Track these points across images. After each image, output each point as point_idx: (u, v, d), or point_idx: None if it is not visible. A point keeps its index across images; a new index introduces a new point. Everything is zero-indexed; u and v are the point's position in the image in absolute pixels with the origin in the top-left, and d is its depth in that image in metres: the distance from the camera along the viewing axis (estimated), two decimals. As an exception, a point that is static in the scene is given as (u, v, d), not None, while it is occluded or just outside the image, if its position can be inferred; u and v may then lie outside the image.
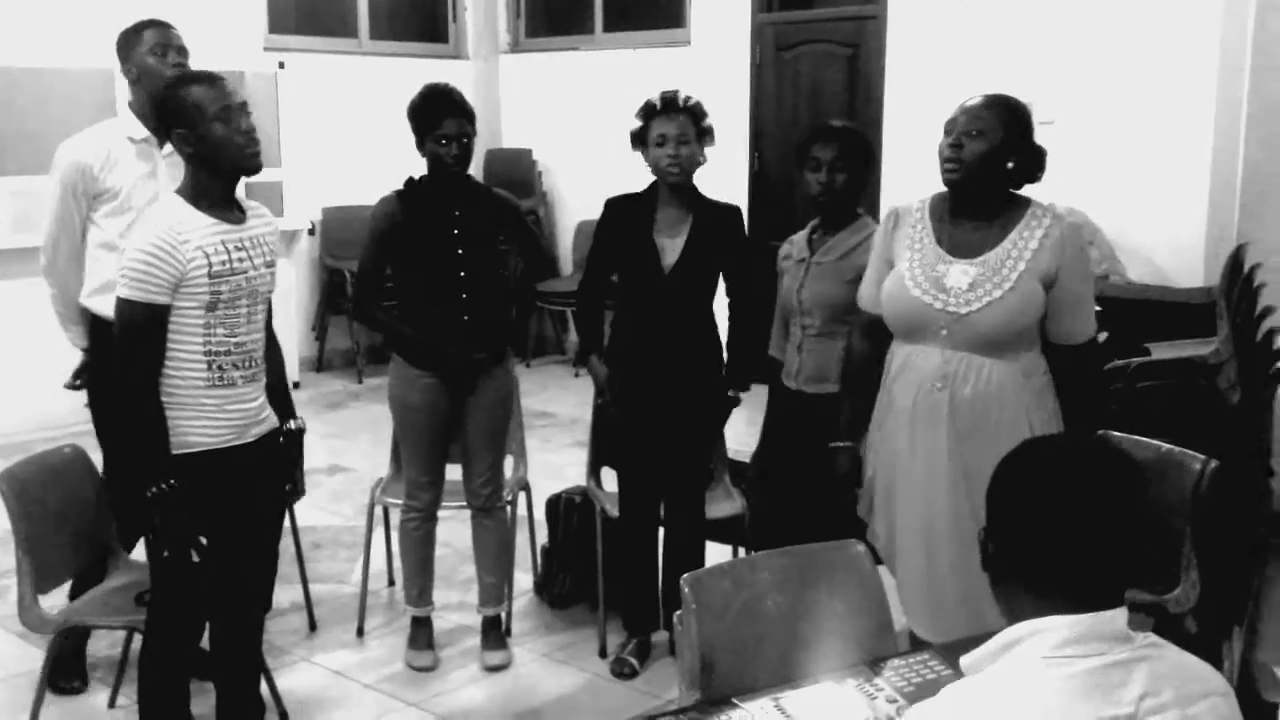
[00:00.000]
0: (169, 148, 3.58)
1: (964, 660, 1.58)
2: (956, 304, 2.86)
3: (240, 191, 3.00)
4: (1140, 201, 5.77)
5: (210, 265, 2.78)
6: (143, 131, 3.58)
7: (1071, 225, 2.91)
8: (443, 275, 3.64)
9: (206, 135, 2.79)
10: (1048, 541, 1.52)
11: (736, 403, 3.80)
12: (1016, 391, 2.86)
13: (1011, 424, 2.85)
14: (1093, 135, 5.81)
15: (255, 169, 2.88)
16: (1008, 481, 1.59)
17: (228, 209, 2.88)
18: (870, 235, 3.41)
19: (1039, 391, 2.90)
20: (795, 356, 3.48)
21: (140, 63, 3.57)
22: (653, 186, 3.70)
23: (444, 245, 3.63)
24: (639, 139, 3.64)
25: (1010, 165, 2.85)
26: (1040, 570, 1.53)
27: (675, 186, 3.64)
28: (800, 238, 3.54)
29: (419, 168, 3.69)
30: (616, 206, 3.77)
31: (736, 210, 3.77)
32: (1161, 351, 4.40)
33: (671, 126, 3.58)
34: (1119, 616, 1.50)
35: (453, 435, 3.81)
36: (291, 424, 3.18)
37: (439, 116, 3.56)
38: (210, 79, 2.86)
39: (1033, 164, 2.90)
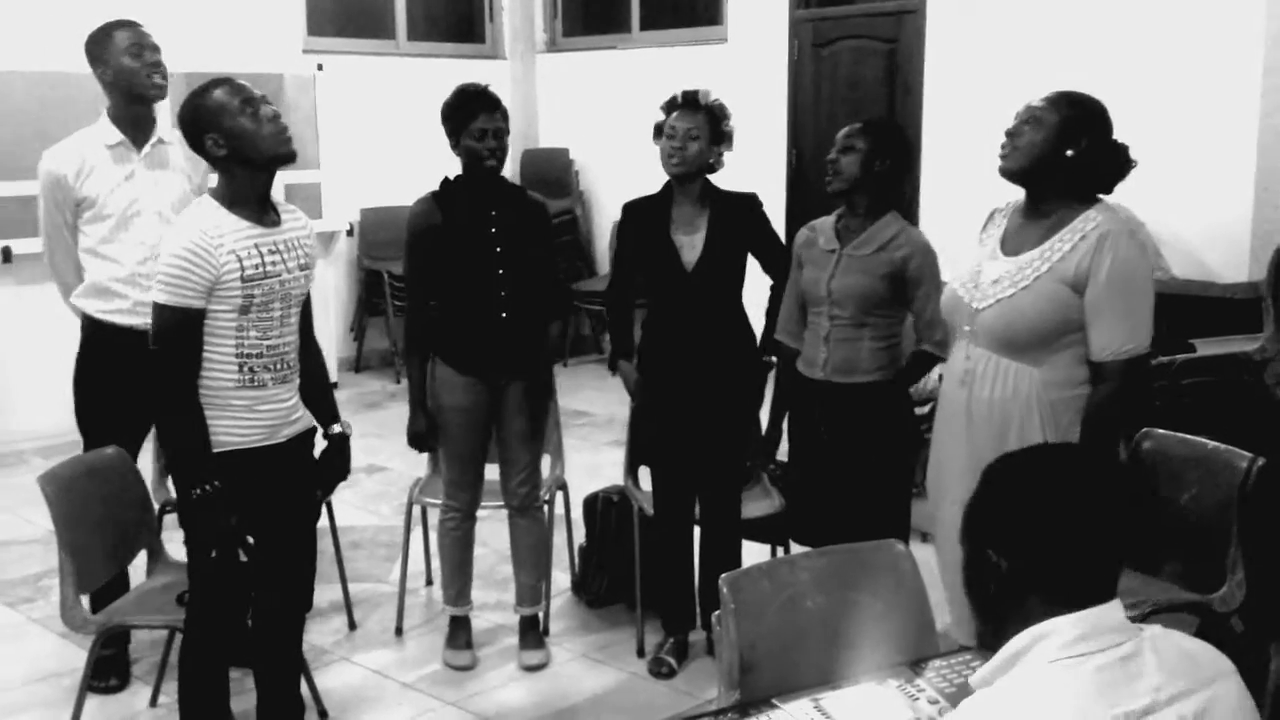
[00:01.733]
0: (147, 149, 3.62)
1: (974, 679, 1.58)
2: (978, 299, 2.83)
3: (279, 195, 3.01)
4: (1185, 196, 5.69)
5: (243, 269, 2.78)
6: (117, 136, 3.60)
7: (1118, 229, 2.75)
8: (480, 275, 3.63)
9: (235, 130, 2.79)
10: (1056, 547, 1.53)
11: (771, 367, 3.77)
12: (1031, 399, 2.79)
13: (1020, 432, 2.79)
14: (1137, 129, 5.71)
15: (290, 155, 2.87)
16: (1004, 498, 1.58)
17: (263, 212, 2.88)
18: (903, 230, 3.38)
19: (1061, 404, 2.78)
20: (821, 347, 3.43)
21: (116, 64, 3.57)
22: (667, 186, 3.69)
23: (482, 245, 3.63)
24: (658, 131, 3.64)
25: (1069, 154, 2.75)
26: (1048, 576, 1.53)
27: (682, 182, 3.62)
28: (826, 226, 3.48)
29: (456, 169, 3.69)
30: (633, 209, 3.77)
31: (753, 197, 3.74)
32: (1206, 348, 4.34)
33: (683, 121, 3.58)
34: (1116, 608, 1.52)
35: (491, 435, 3.81)
36: (336, 428, 3.17)
37: (473, 112, 3.56)
38: (225, 80, 2.87)
39: (1113, 163, 2.80)
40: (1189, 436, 3.26)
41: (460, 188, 3.68)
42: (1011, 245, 2.87)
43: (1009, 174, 2.83)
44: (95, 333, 3.66)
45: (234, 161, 2.82)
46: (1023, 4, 6.22)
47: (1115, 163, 2.82)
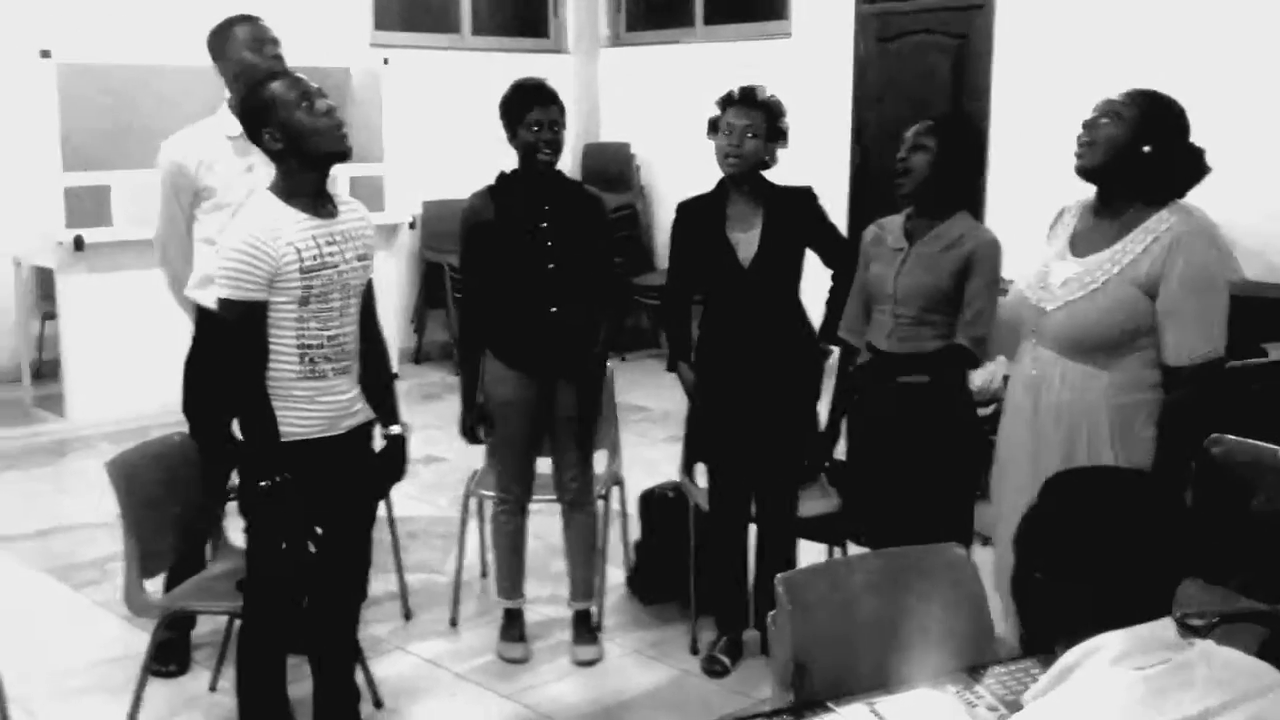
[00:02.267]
0: None
1: (1026, 695, 1.59)
2: (1046, 300, 2.79)
3: (344, 187, 3.03)
4: (1256, 196, 5.57)
5: (302, 260, 2.81)
6: (239, 128, 3.63)
7: (1193, 230, 2.71)
8: (531, 269, 3.63)
9: (291, 125, 2.81)
10: (1105, 574, 1.52)
11: (828, 354, 3.75)
12: (1100, 402, 2.75)
13: (1089, 436, 2.75)
14: (1210, 128, 5.61)
15: (345, 152, 2.89)
16: (1055, 521, 1.58)
17: (319, 203, 2.90)
18: (972, 229, 3.34)
19: (1129, 408, 2.74)
20: (883, 344, 3.41)
21: (237, 59, 3.62)
22: (721, 184, 3.67)
23: (533, 240, 3.62)
24: (714, 126, 3.62)
25: (1147, 150, 2.70)
26: (1097, 599, 1.53)
27: (740, 179, 3.60)
28: (894, 224, 3.44)
29: (515, 162, 3.69)
30: (688, 208, 3.75)
31: (808, 190, 3.70)
32: (1278, 352, 4.25)
33: (741, 118, 3.55)
34: (1169, 624, 1.52)
35: (543, 430, 3.80)
36: (394, 429, 3.17)
37: (529, 104, 3.56)
38: (283, 73, 2.91)
39: (1188, 167, 2.75)
40: (1259, 443, 3.19)
41: (516, 182, 3.68)
42: (1081, 246, 2.82)
43: (1086, 172, 2.79)
44: (211, 324, 3.68)
45: (290, 155, 2.85)
46: (1094, 0, 6.12)
47: (1190, 166, 2.77)
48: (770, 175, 3.67)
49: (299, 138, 2.82)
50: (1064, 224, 2.93)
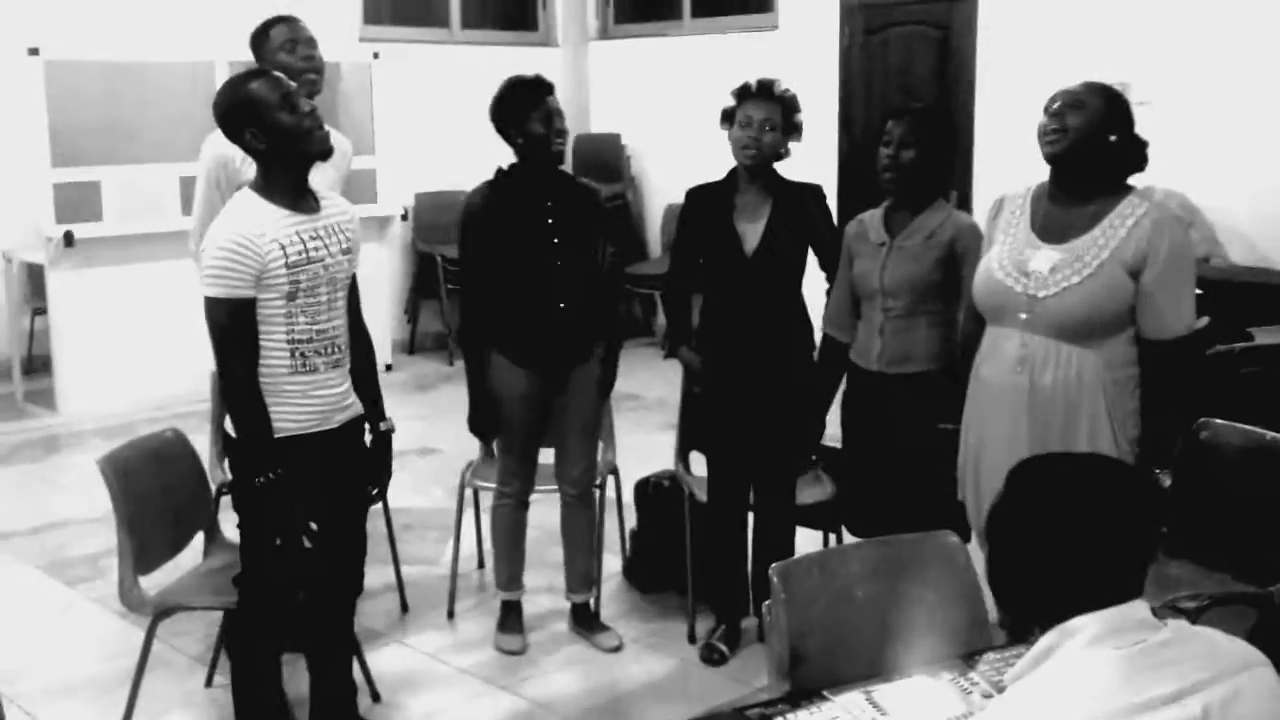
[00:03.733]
0: None
1: (1007, 676, 1.61)
2: (1036, 288, 2.84)
3: (332, 189, 3.04)
4: (1242, 182, 5.60)
5: (287, 256, 2.82)
6: None
7: (1168, 214, 2.83)
8: (538, 266, 3.63)
9: (274, 126, 2.82)
10: (1075, 555, 1.55)
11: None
12: (1096, 381, 2.82)
13: (1089, 415, 2.83)
14: (1192, 114, 5.64)
15: (326, 153, 2.92)
16: (1023, 505, 1.62)
17: (301, 199, 2.92)
18: (951, 217, 3.38)
19: (1120, 384, 2.83)
20: (875, 339, 3.43)
21: (273, 60, 3.67)
22: (732, 173, 3.68)
23: (539, 235, 3.63)
24: (728, 117, 3.63)
25: (1113, 139, 2.79)
26: (1069, 581, 1.56)
27: (753, 171, 3.61)
28: (874, 219, 3.47)
29: (507, 154, 3.69)
30: (697, 196, 3.76)
31: (817, 189, 3.73)
32: (1265, 336, 4.28)
33: (759, 111, 3.56)
34: (1140, 606, 1.55)
35: (546, 424, 3.81)
36: (381, 426, 3.19)
37: (535, 98, 3.57)
38: (262, 72, 2.93)
39: (1136, 154, 2.86)
40: (1247, 426, 3.22)
41: (517, 177, 3.68)
42: (1054, 233, 2.87)
43: (1057, 158, 2.85)
44: None
45: (270, 156, 2.87)
46: (1080, -12, 6.14)
47: (1137, 155, 2.88)
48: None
49: (282, 139, 2.84)
50: (1011, 213, 2.98)
